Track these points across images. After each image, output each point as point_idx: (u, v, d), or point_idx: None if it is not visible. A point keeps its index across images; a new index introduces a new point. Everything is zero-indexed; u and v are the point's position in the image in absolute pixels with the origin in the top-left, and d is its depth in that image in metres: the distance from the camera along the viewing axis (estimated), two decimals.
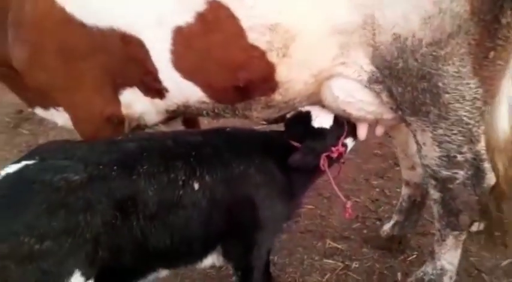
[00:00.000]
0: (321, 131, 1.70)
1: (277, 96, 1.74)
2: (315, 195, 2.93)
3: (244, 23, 1.53)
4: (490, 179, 1.68)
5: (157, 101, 1.93)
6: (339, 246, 2.49)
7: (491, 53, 1.41)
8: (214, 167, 1.50)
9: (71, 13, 1.75)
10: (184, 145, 1.54)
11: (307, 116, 1.73)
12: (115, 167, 1.36)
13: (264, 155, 1.62)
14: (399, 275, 2.26)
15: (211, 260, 1.61)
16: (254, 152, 1.61)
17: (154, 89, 1.87)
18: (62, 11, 1.75)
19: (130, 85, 1.92)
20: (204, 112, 1.89)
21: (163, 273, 1.60)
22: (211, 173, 1.48)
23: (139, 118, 2.07)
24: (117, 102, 1.97)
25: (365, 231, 2.63)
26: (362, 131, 1.83)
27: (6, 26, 1.93)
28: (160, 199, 1.39)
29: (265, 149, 1.64)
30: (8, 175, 1.30)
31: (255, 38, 1.55)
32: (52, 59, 1.86)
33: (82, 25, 1.77)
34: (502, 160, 1.71)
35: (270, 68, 1.62)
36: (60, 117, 2.21)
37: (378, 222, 2.70)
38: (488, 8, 1.33)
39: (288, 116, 1.81)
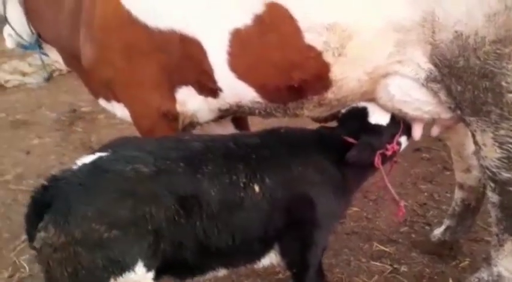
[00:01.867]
0: (378, 127, 1.70)
1: (329, 95, 1.75)
2: (360, 197, 2.90)
3: (302, 23, 1.57)
4: None
5: (210, 99, 2.00)
6: (387, 249, 2.46)
7: None
8: (273, 169, 1.54)
9: (135, 16, 1.87)
10: (245, 147, 1.59)
11: (363, 111, 1.73)
12: (181, 164, 1.43)
13: (319, 153, 1.64)
14: (450, 281, 2.19)
15: (269, 259, 1.64)
16: (310, 151, 1.64)
17: (208, 88, 1.94)
18: (128, 13, 1.88)
19: (186, 84, 2.01)
20: (256, 111, 1.94)
21: (222, 272, 1.64)
22: (271, 175, 1.52)
23: (192, 115, 2.16)
24: (173, 100, 2.06)
25: (413, 235, 2.58)
26: (417, 131, 1.81)
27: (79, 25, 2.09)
28: (222, 199, 1.43)
29: (320, 147, 1.66)
30: (84, 165, 1.40)
31: (311, 38, 1.58)
32: (117, 57, 1.99)
33: (145, 26, 1.89)
34: None
35: (325, 68, 1.64)
36: (119, 109, 2.36)
37: (426, 227, 2.63)
38: None
39: (343, 111, 1.82)
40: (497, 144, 1.56)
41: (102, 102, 2.50)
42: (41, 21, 2.35)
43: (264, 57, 1.69)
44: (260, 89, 1.79)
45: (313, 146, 1.66)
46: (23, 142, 4.68)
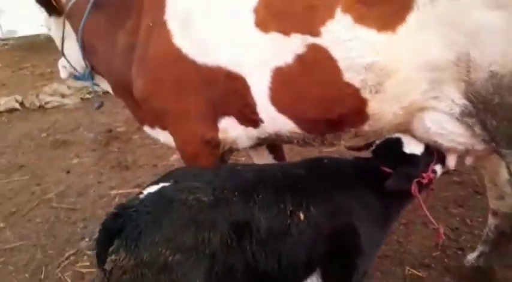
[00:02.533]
0: (413, 157, 1.79)
1: (366, 127, 1.86)
2: None
3: (341, 63, 1.70)
4: None
5: (250, 129, 2.15)
6: (419, 274, 2.50)
7: None
8: (317, 198, 1.64)
9: (185, 53, 2.05)
10: (291, 177, 1.71)
11: (398, 142, 1.83)
12: (236, 193, 1.56)
13: (361, 183, 1.74)
14: None
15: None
16: (352, 182, 1.74)
17: (250, 119, 2.09)
18: (179, 51, 2.06)
19: (229, 114, 2.16)
20: (295, 141, 2.07)
21: None
22: (315, 204, 1.63)
23: (232, 142, 2.30)
24: (216, 129, 2.22)
25: (446, 260, 2.61)
26: (451, 161, 1.89)
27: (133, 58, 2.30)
28: (271, 226, 1.55)
29: (361, 178, 1.76)
30: (150, 194, 1.55)
31: (350, 76, 1.71)
32: (167, 90, 2.17)
33: (193, 63, 2.06)
34: None
35: (363, 103, 1.76)
36: (163, 136, 2.55)
37: (459, 252, 2.66)
38: None
39: (378, 142, 1.92)
40: None
41: (147, 129, 2.70)
42: (96, 56, 2.58)
43: (303, 93, 1.83)
44: (299, 121, 1.92)
45: (354, 176, 1.76)
46: (63, 161, 4.96)
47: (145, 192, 1.57)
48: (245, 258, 1.50)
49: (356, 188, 1.72)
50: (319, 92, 1.79)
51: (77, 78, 2.86)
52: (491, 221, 2.28)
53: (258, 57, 1.88)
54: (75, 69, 2.81)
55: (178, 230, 1.45)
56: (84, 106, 7.14)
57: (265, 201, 1.56)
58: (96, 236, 1.61)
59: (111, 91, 2.79)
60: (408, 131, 1.86)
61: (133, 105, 2.66)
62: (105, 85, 2.80)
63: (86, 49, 2.59)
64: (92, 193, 4.23)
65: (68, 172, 4.74)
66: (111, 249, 1.45)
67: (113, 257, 1.43)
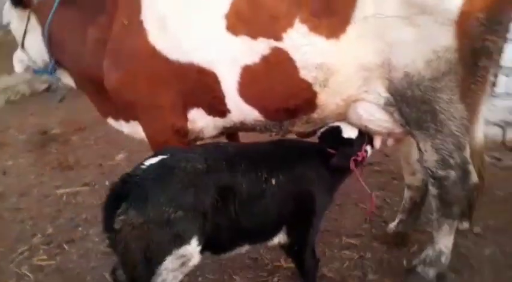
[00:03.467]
0: (350, 140, 2.27)
1: (315, 115, 2.31)
2: None
3: (298, 63, 2.12)
4: (474, 177, 2.27)
5: (217, 119, 2.48)
6: (353, 242, 3.01)
7: (473, 86, 2.03)
8: (285, 169, 2.03)
9: (159, 50, 2.33)
10: (264, 152, 2.10)
11: (338, 129, 2.30)
12: (223, 162, 1.88)
13: (314, 159, 2.17)
14: (404, 262, 2.78)
15: (278, 238, 2.10)
16: (309, 158, 2.17)
17: (218, 110, 2.42)
18: (153, 48, 2.33)
19: (198, 106, 2.47)
20: (257, 128, 2.45)
21: (245, 248, 2.08)
22: (284, 173, 2.00)
23: (199, 132, 2.61)
24: (185, 119, 2.51)
25: (373, 230, 3.16)
26: (377, 142, 2.41)
27: (104, 52, 2.49)
28: (250, 190, 1.89)
29: (313, 155, 2.20)
30: (151, 164, 1.81)
31: (305, 74, 2.14)
32: (141, 83, 2.41)
33: (166, 59, 2.34)
34: (476, 162, 2.31)
35: (313, 95, 2.20)
36: (126, 127, 2.77)
37: (383, 224, 3.23)
38: (469, 57, 1.96)
39: (322, 130, 2.37)
40: (434, 150, 2.18)
41: (110, 121, 2.89)
42: (63, 50, 2.71)
43: (267, 87, 2.22)
44: (262, 110, 2.30)
45: (310, 154, 2.19)
46: None
47: (147, 163, 1.82)
48: (229, 217, 1.82)
49: (312, 163, 2.15)
50: (280, 86, 2.20)
51: (35, 71, 2.94)
52: (407, 194, 2.87)
53: (228, 56, 2.22)
54: (34, 62, 2.89)
55: (179, 191, 1.73)
56: (11, 108, 6.80)
57: (246, 169, 1.90)
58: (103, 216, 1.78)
59: (73, 84, 2.92)
60: (346, 118, 2.35)
61: (97, 98, 2.84)
62: (66, 79, 2.92)
63: (52, 43, 2.70)
64: (36, 193, 4.16)
65: (4, 173, 4.58)
66: (119, 211, 1.68)
67: (122, 217, 1.66)
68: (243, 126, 2.47)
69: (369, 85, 2.17)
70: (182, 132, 2.56)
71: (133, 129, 2.81)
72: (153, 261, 1.67)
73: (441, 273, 2.49)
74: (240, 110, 2.34)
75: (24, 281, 2.87)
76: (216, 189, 1.80)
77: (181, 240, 1.70)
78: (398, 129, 2.29)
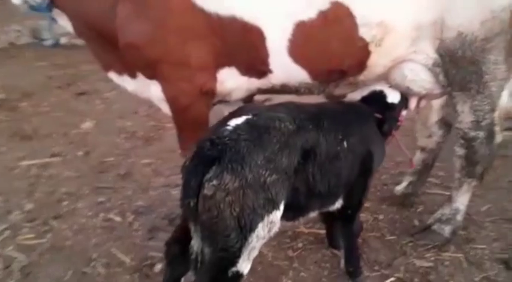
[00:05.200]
0: (394, 105, 2.26)
1: (361, 77, 2.25)
2: None
3: (359, 20, 2.02)
4: (499, 138, 2.41)
5: (253, 80, 2.28)
6: (366, 205, 3.07)
7: None
8: (353, 130, 1.94)
9: (194, 1, 2.06)
10: (337, 112, 1.99)
11: (382, 94, 2.26)
12: (310, 123, 1.73)
13: (372, 121, 2.13)
14: (415, 221, 2.92)
15: (338, 203, 2.03)
16: (368, 119, 2.12)
17: (257, 70, 2.22)
18: None
19: (230, 65, 2.25)
20: (300, 90, 2.30)
21: (313, 214, 1.99)
22: (353, 135, 1.92)
23: (226, 94, 2.40)
24: (215, 79, 2.29)
25: (378, 193, 3.26)
26: (412, 104, 2.43)
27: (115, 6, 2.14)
28: (328, 151, 1.77)
29: (371, 117, 2.15)
30: (238, 125, 1.60)
31: (364, 31, 2.04)
32: (170, 37, 2.12)
33: (202, 11, 2.08)
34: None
35: (367, 56, 2.12)
36: (132, 84, 2.47)
37: (385, 187, 3.35)
38: None
39: (365, 94, 2.31)
40: (472, 111, 2.26)
41: (112, 75, 2.55)
42: None
43: (322, 46, 2.08)
44: (313, 71, 2.16)
45: (368, 116, 2.13)
46: None
47: (232, 123, 1.60)
48: (307, 180, 1.70)
49: (372, 124, 2.11)
50: (336, 45, 2.07)
51: (32, 8, 2.44)
52: (419, 156, 2.97)
53: (281, 11, 2.03)
54: None
55: (276, 152, 1.56)
56: None
57: (327, 129, 1.78)
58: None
59: (70, 29, 2.49)
60: (388, 79, 2.32)
61: (99, 48, 2.47)
62: (64, 21, 2.48)
63: None
64: None
65: None
66: (209, 175, 1.47)
67: (215, 182, 1.46)
68: (282, 88, 2.31)
69: (419, 45, 2.15)
70: (210, 94, 2.34)
71: (141, 87, 2.49)
72: (246, 229, 1.50)
73: (454, 229, 2.65)
74: (286, 71, 2.18)
75: (15, 262, 2.48)
76: (301, 151, 1.66)
77: (273, 205, 1.55)
78: (437, 90, 2.33)
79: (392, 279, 2.35)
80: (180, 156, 2.68)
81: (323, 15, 2.01)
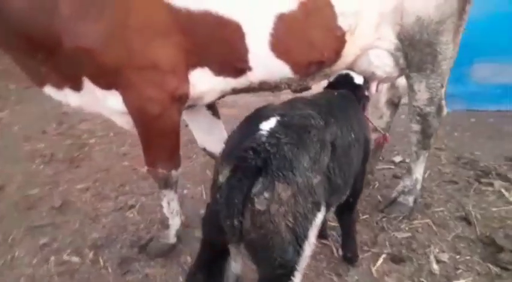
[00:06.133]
0: (360, 86, 2.33)
1: (334, 67, 2.27)
2: None
3: (337, 8, 2.01)
4: (445, 111, 2.68)
5: (229, 80, 2.14)
6: None
7: (459, 29, 2.36)
8: (354, 119, 1.91)
9: None
10: (339, 103, 1.93)
11: (349, 76, 2.31)
12: (331, 117, 1.64)
13: (359, 106, 2.15)
14: (378, 197, 3.10)
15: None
16: (357, 105, 2.13)
17: (233, 68, 2.08)
18: None
19: (202, 65, 2.07)
20: (274, 86, 2.22)
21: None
22: (355, 123, 1.89)
23: (197, 98, 2.20)
24: (188, 82, 2.09)
25: None
26: (373, 88, 2.54)
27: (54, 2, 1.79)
28: (343, 143, 1.71)
29: (357, 103, 2.17)
30: (273, 128, 1.44)
31: (342, 20, 2.04)
32: (133, 36, 1.85)
33: (168, 6, 1.87)
34: None
35: (342, 45, 2.14)
36: (77, 98, 2.14)
37: None
38: (461, 2, 2.25)
39: (333, 79, 2.33)
40: (427, 89, 2.47)
41: (48, 90, 2.15)
42: None
43: (303, 38, 2.02)
44: (294, 65, 2.09)
45: (356, 102, 2.14)
46: None
47: (265, 127, 1.43)
48: (329, 175, 1.63)
49: (360, 109, 2.13)
50: (317, 36, 2.03)
51: None
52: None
53: (260, 4, 1.91)
54: None
55: (319, 152, 1.45)
56: None
57: (340, 121, 1.72)
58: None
59: None
60: (354, 67, 2.39)
61: (27, 59, 2.04)
62: None
63: None
64: None
65: None
66: (256, 189, 1.30)
67: (266, 194, 1.29)
68: (260, 86, 2.20)
69: (382, 32, 2.26)
70: (184, 100, 2.12)
71: (90, 100, 2.14)
72: (301, 238, 1.37)
73: (415, 198, 2.90)
74: (267, 67, 2.07)
75: None
76: (329, 147, 1.58)
77: (318, 207, 1.45)
78: (395, 74, 2.48)
79: (384, 256, 2.47)
80: (148, 173, 2.40)
81: (303, 5, 1.96)
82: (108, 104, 2.09)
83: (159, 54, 1.93)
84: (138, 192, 3.28)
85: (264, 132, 1.43)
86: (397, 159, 3.70)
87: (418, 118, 2.61)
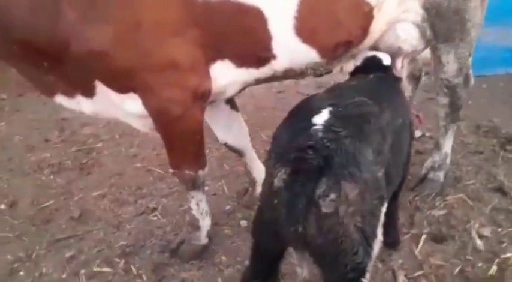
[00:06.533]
0: (390, 66, 2.20)
1: (360, 47, 2.14)
2: None
3: None
4: (472, 81, 2.58)
5: (252, 71, 2.00)
6: None
7: None
8: (398, 102, 1.80)
9: None
10: (381, 87, 1.83)
11: (377, 58, 2.17)
12: (382, 102, 1.53)
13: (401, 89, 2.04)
14: None
15: None
16: (399, 88, 2.03)
17: (257, 58, 1.94)
18: None
19: (222, 58, 1.93)
20: (300, 73, 2.08)
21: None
22: (400, 107, 1.79)
23: (218, 93, 2.07)
24: (209, 77, 1.95)
25: None
26: (399, 64, 2.42)
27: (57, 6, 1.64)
28: (395, 130, 1.57)
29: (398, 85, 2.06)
30: (328, 121, 1.32)
31: None
32: (147, 35, 1.71)
33: None
34: None
35: (370, 22, 2.01)
36: (90, 105, 2.01)
37: None
38: None
39: (360, 62, 2.19)
40: (456, 59, 2.36)
41: (60, 99, 2.02)
42: None
43: (329, 19, 1.89)
44: (321, 49, 1.96)
45: (397, 85, 2.03)
46: None
47: (319, 121, 1.32)
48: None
49: (402, 91, 2.01)
50: (344, 14, 1.90)
51: None
52: None
53: None
54: None
55: (382, 142, 1.35)
56: None
57: (390, 107, 1.59)
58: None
59: None
60: (381, 43, 2.26)
61: (33, 69, 1.89)
62: None
63: None
64: None
65: None
66: (321, 190, 1.19)
67: (333, 195, 1.18)
68: (284, 74, 2.06)
69: (407, 3, 2.13)
70: (206, 97, 1.98)
71: (105, 106, 2.01)
72: (370, 237, 1.27)
73: (446, 173, 2.82)
74: (292, 54, 1.94)
75: None
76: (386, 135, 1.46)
77: (383, 202, 1.35)
78: (421, 46, 2.37)
79: (424, 236, 2.40)
80: (174, 176, 2.28)
81: None
82: (126, 108, 1.95)
83: (175, 52, 1.79)
84: (157, 194, 3.17)
85: (319, 127, 1.31)
86: (417, 134, 3.60)
87: (446, 91, 2.51)
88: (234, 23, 1.81)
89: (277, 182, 1.28)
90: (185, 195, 3.05)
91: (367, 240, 1.27)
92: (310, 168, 1.21)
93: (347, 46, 2.05)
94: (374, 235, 1.31)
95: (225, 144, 2.63)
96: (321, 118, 1.35)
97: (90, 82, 1.91)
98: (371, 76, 1.93)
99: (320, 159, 1.21)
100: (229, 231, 2.65)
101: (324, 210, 1.19)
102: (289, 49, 1.92)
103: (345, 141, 1.27)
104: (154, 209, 2.98)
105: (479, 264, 2.18)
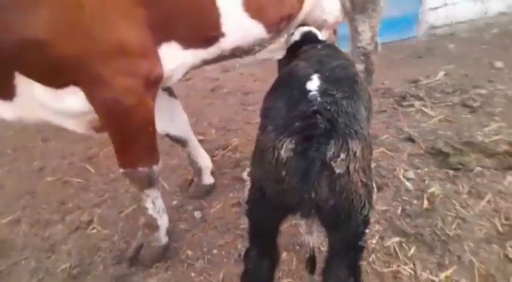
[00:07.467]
0: (325, 41, 2.35)
1: (296, 20, 2.21)
2: None
3: None
4: (380, 47, 2.91)
5: (199, 51, 1.92)
6: None
7: None
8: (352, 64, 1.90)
9: None
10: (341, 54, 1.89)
11: (312, 33, 2.28)
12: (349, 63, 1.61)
13: None
14: None
15: None
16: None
17: (204, 37, 1.87)
18: None
19: (168, 40, 1.81)
20: (248, 51, 2.06)
21: None
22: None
23: (167, 78, 1.94)
24: (160, 62, 1.82)
25: None
26: (325, 36, 2.59)
27: None
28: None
29: None
30: (321, 86, 1.33)
31: None
32: (90, 19, 1.51)
33: None
34: None
35: None
36: (9, 109, 1.78)
37: None
38: None
39: (297, 37, 2.26)
40: (370, 28, 2.62)
41: None
42: None
43: None
44: (268, 24, 1.96)
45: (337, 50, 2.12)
46: None
47: (313, 87, 1.32)
48: None
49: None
50: None
51: None
52: None
53: None
54: None
55: (368, 99, 1.41)
56: None
57: (353, 66, 1.69)
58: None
59: None
60: (308, 17, 2.38)
61: None
62: None
63: None
64: None
65: None
66: (331, 152, 1.20)
67: (343, 155, 1.20)
68: (232, 53, 2.01)
69: None
70: (158, 83, 1.84)
71: (29, 109, 1.73)
72: (371, 189, 1.32)
73: None
74: (241, 30, 1.90)
75: None
76: None
77: (371, 153, 1.44)
78: (341, 19, 2.57)
79: None
80: (125, 176, 2.06)
81: None
82: (63, 105, 1.69)
83: (124, 35, 1.61)
84: (86, 206, 2.83)
85: (315, 93, 1.33)
86: None
87: (362, 58, 2.78)
88: (180, 1, 1.70)
89: (285, 153, 1.27)
90: (120, 200, 2.81)
91: (370, 192, 1.36)
92: (321, 132, 1.24)
93: (289, 19, 2.11)
94: (373, 187, 1.41)
95: (167, 135, 2.47)
96: (313, 84, 1.37)
97: (8, 81, 1.60)
98: (320, 46, 2.03)
99: (327, 123, 1.25)
100: (185, 225, 2.53)
101: (338, 170, 1.23)
102: (238, 26, 1.89)
103: (343, 102, 1.32)
104: (90, 221, 2.65)
105: (414, 202, 2.52)
